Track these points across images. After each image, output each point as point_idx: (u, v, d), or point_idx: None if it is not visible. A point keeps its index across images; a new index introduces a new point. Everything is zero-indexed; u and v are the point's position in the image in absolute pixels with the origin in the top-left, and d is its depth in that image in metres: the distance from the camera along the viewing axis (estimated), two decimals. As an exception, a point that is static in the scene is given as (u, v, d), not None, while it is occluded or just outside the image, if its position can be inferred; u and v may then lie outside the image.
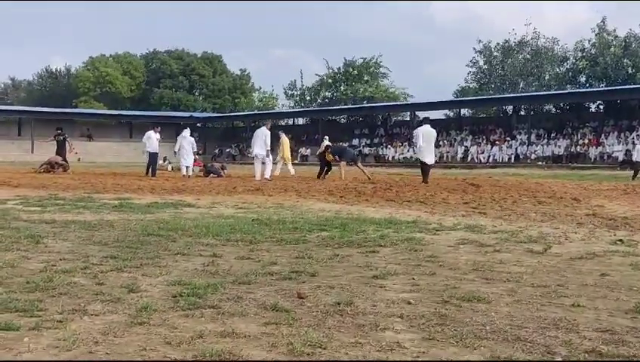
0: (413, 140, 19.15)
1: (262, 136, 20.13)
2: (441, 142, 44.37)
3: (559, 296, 4.55)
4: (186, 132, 23.58)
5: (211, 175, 22.22)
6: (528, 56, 56.41)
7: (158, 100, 73.79)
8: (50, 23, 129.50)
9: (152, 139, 22.75)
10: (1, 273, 5.08)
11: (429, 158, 18.35)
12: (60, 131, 26.67)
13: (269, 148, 19.94)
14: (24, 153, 51.96)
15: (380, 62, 65.71)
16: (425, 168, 18.24)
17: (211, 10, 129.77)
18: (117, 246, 6.51)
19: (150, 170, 22.28)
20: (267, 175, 19.58)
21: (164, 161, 33.41)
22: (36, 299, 4.22)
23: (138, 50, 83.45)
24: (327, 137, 31.34)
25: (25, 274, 5.07)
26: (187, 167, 22.73)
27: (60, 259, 5.73)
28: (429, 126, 18.77)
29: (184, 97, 74.12)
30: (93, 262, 5.58)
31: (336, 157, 21.05)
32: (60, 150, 25.78)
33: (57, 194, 13.33)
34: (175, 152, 23.30)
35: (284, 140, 24.56)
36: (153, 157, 22.51)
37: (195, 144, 23.58)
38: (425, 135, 18.30)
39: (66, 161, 25.56)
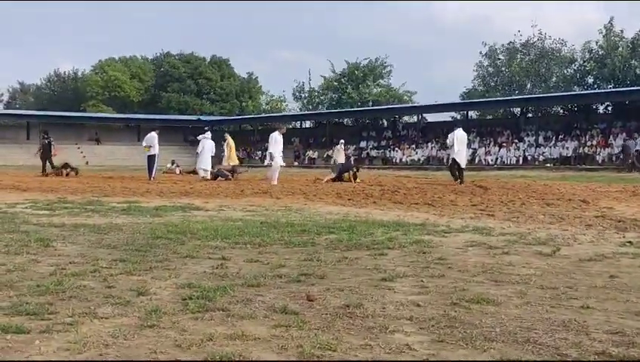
0: (447, 143, 19.91)
1: (270, 141, 20.27)
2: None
3: (568, 298, 4.54)
4: (208, 134, 23.73)
5: (219, 178, 22.26)
6: (534, 57, 56.26)
7: (166, 104, 73.99)
8: (59, 27, 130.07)
9: (156, 141, 22.80)
10: (11, 276, 5.10)
11: (463, 161, 19.14)
12: (45, 135, 27.07)
13: (271, 152, 20.06)
14: (32, 157, 52.04)
15: (385, 62, 65.68)
16: (453, 168, 19.12)
17: (219, 14, 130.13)
18: (126, 249, 6.53)
19: (154, 171, 22.26)
20: (272, 179, 19.50)
21: (172, 164, 33.47)
22: (46, 303, 4.24)
23: (146, 54, 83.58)
24: (342, 141, 31.54)
25: (35, 277, 5.10)
26: (205, 170, 22.84)
27: (70, 263, 5.75)
28: (461, 129, 19.65)
29: (192, 101, 74.27)
30: (103, 266, 5.60)
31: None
32: (45, 153, 26.12)
33: (66, 197, 13.39)
34: (197, 153, 23.47)
35: (230, 142, 24.55)
36: (155, 159, 22.46)
37: (214, 147, 23.71)
38: (459, 138, 19.07)
39: (52, 164, 25.87)
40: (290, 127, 67.52)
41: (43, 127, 56.10)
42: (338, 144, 31.18)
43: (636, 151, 35.20)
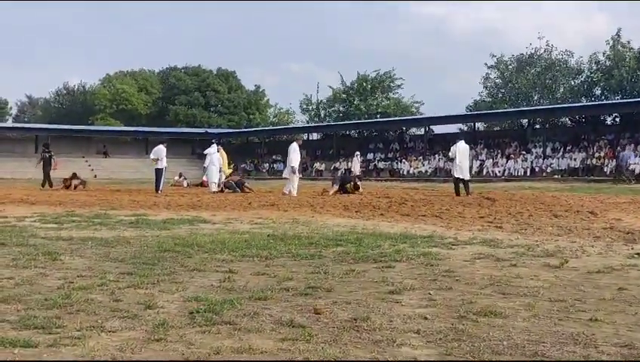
0: (450, 156, 20.18)
1: (290, 152, 20.27)
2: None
3: (577, 311, 4.52)
4: (214, 147, 23.91)
5: (227, 190, 22.32)
6: (539, 69, 56.24)
7: (174, 117, 74.27)
8: (67, 41, 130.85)
9: (164, 154, 22.89)
10: (19, 290, 5.12)
11: (466, 174, 19.34)
12: (46, 148, 27.19)
13: (293, 165, 20.06)
14: (41, 170, 52.27)
15: (394, 75, 65.73)
16: (457, 183, 19.18)
17: (226, 26, 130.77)
18: (133, 262, 6.54)
19: (161, 184, 22.37)
20: (285, 189, 19.62)
21: (180, 177, 33.55)
22: (54, 316, 4.25)
23: (153, 67, 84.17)
24: (358, 153, 32.25)
25: (43, 291, 5.11)
26: (214, 182, 22.97)
27: (78, 276, 5.77)
28: (463, 142, 19.88)
29: (199, 113, 74.53)
30: (110, 279, 5.60)
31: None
32: (46, 167, 26.19)
33: (74, 211, 13.43)
34: (204, 167, 23.66)
35: (222, 154, 25.27)
36: (163, 172, 22.52)
37: (221, 160, 23.85)
38: (461, 151, 19.28)
39: (49, 177, 25.91)
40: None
41: (51, 140, 56.51)
42: (354, 156, 31.88)
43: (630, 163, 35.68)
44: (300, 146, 20.70)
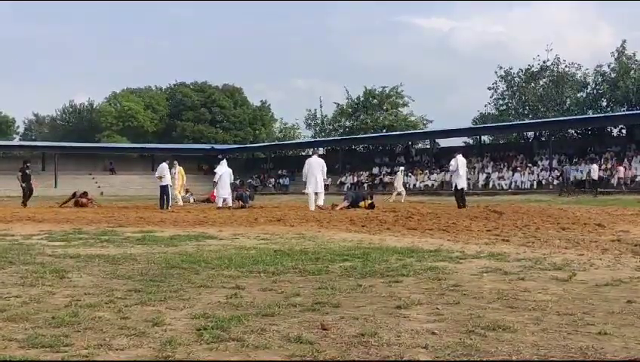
0: (451, 169, 21.02)
1: (319, 167, 20.50)
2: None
3: (585, 324, 4.50)
4: (224, 163, 24.14)
5: (238, 201, 22.54)
6: (548, 82, 56.25)
7: (181, 133, 74.56)
8: (74, 58, 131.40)
9: (167, 171, 23.13)
10: (26, 308, 5.12)
11: (464, 184, 20.85)
12: (28, 165, 27.15)
13: (325, 178, 20.74)
14: (48, 188, 52.43)
15: (402, 91, 65.87)
16: (459, 194, 20.26)
17: (232, 42, 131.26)
18: (141, 279, 6.54)
19: (168, 201, 22.58)
20: (320, 203, 19.99)
21: (187, 193, 33.55)
22: (62, 334, 4.25)
23: (160, 84, 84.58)
24: (402, 168, 32.98)
25: (50, 309, 5.11)
26: (225, 198, 23.07)
27: (85, 294, 5.77)
28: (461, 155, 20.96)
29: (206, 129, 74.80)
30: (118, 296, 5.61)
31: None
32: (27, 182, 26.11)
33: (81, 228, 13.44)
34: (215, 182, 23.80)
35: (181, 171, 26.56)
36: (167, 189, 22.74)
37: (232, 175, 24.06)
38: (461, 164, 20.37)
39: (30, 193, 25.87)
40: (303, 154, 67.69)
41: (58, 157, 56.71)
42: (398, 170, 32.75)
43: (574, 177, 36.59)
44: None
